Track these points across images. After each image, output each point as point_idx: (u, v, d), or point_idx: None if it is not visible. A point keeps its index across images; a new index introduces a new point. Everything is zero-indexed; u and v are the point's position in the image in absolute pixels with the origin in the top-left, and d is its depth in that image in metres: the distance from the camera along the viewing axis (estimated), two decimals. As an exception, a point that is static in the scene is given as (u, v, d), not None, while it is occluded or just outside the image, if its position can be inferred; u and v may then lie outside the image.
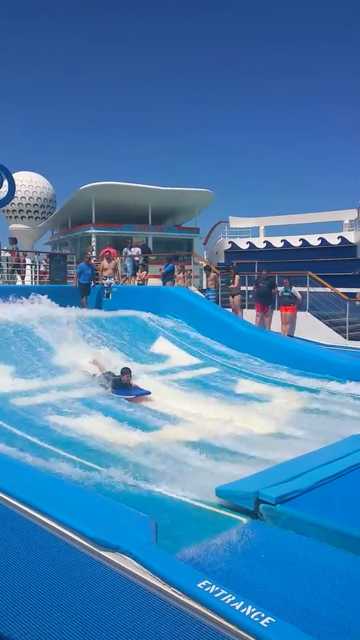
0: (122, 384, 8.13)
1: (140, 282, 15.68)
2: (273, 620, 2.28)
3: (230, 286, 13.17)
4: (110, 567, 2.76)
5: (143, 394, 7.87)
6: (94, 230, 20.44)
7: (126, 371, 8.26)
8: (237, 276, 13.16)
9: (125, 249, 16.58)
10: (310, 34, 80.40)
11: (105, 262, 14.99)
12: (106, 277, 14.75)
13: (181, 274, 15.12)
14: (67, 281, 15.27)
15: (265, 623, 2.26)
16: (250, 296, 13.27)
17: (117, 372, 8.34)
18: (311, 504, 3.77)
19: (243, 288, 13.40)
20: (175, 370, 9.62)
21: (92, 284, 14.07)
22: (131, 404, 7.50)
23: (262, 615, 2.31)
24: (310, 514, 3.59)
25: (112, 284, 14.54)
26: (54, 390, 7.83)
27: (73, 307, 11.92)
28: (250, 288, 13.37)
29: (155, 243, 19.32)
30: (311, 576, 3.01)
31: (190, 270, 18.19)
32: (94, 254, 17.45)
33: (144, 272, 15.61)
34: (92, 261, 14.86)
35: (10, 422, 6.39)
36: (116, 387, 8.10)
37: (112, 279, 14.78)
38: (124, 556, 2.78)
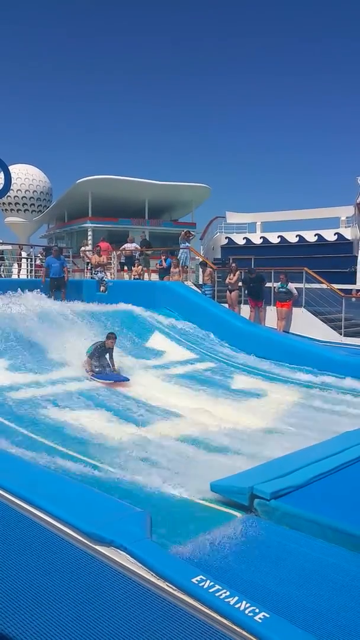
0: (105, 350, 8.41)
1: (136, 276, 15.63)
2: (267, 615, 2.28)
3: (228, 280, 13.14)
4: (105, 561, 2.75)
5: (121, 380, 8.08)
6: (90, 224, 20.34)
7: (111, 336, 8.57)
8: (237, 272, 13.15)
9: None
10: (309, 31, 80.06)
11: (95, 257, 14.93)
12: (97, 271, 14.68)
13: (177, 269, 15.09)
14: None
15: (260, 618, 2.25)
16: (246, 292, 13.26)
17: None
18: (305, 500, 3.78)
19: (240, 284, 13.38)
20: (171, 365, 9.61)
21: (66, 277, 13.22)
22: (126, 398, 7.48)
23: (257, 610, 2.30)
24: (304, 510, 3.60)
25: (104, 278, 14.46)
26: (48, 384, 7.81)
27: (70, 301, 11.87)
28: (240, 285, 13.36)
29: (152, 238, 19.25)
30: (305, 571, 3.02)
31: (186, 265, 18.16)
32: (89, 247, 17.31)
33: (140, 267, 15.57)
34: (62, 253, 14.26)
35: (4, 416, 6.36)
36: (99, 355, 8.35)
37: (103, 273, 14.70)
38: (119, 550, 2.77)
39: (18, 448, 5.24)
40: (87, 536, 2.91)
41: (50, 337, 9.57)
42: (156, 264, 15.22)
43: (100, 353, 8.45)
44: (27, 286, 11.85)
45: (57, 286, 12.92)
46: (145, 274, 15.63)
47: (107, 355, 8.58)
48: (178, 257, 14.62)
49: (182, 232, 16.41)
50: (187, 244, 15.74)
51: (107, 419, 6.47)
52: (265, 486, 3.84)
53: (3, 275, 15.36)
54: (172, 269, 14.93)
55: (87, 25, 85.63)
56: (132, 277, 15.74)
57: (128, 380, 8.12)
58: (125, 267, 16.19)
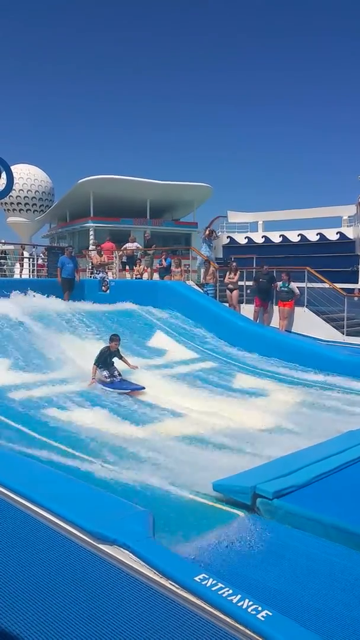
0: (110, 354, 8.23)
1: (138, 276, 15.64)
2: (270, 613, 2.29)
3: (228, 279, 13.12)
4: (108, 560, 2.76)
5: (137, 389, 7.82)
6: (92, 224, 20.38)
7: (115, 338, 8.38)
8: (238, 271, 13.14)
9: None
10: (310, 28, 79.87)
11: (96, 257, 14.94)
12: (99, 271, 14.69)
13: (178, 269, 15.10)
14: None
15: (262, 616, 2.26)
16: (249, 291, 13.24)
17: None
18: (308, 499, 3.78)
19: (241, 283, 13.38)
20: (173, 365, 9.61)
21: (77, 278, 13.19)
22: (127, 398, 7.49)
23: (259, 608, 2.31)
24: (307, 509, 3.60)
25: (105, 278, 14.46)
26: (50, 383, 7.82)
27: (71, 301, 11.89)
28: (249, 283, 13.33)
29: (153, 237, 19.25)
30: (308, 570, 3.02)
31: (188, 264, 18.17)
32: (91, 247, 17.34)
33: (142, 266, 15.57)
34: (74, 254, 14.04)
35: (6, 415, 6.38)
36: (106, 361, 8.17)
37: (105, 273, 14.70)
38: (121, 549, 2.78)
39: (21, 448, 5.25)
40: (90, 535, 2.92)
41: (51, 337, 9.58)
42: (156, 264, 15.23)
43: (107, 358, 8.23)
44: (30, 286, 11.84)
45: (69, 287, 12.84)
46: (146, 274, 15.64)
47: (115, 359, 8.34)
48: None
49: (206, 231, 15.78)
50: (211, 243, 15.25)
51: (109, 419, 6.48)
52: (268, 485, 3.85)
53: (7, 275, 15.38)
54: (173, 269, 14.94)
55: (87, 23, 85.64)
56: (134, 276, 15.76)
57: (144, 388, 7.81)
58: (127, 267, 16.20)
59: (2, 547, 2.83)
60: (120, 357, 8.44)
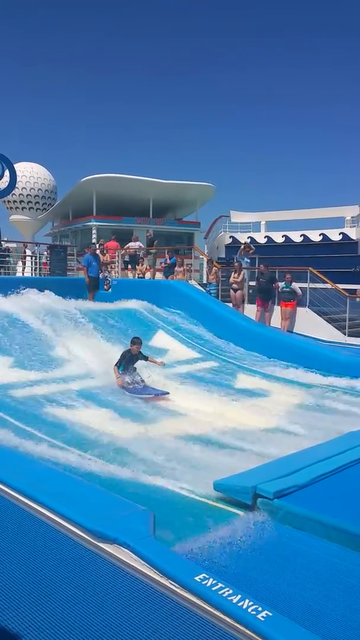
0: (132, 357, 8.02)
1: (140, 275, 15.64)
2: (270, 614, 2.29)
3: (233, 279, 13.10)
4: (108, 558, 2.77)
5: (161, 394, 7.57)
6: (94, 223, 20.37)
7: (136, 341, 8.06)
8: (242, 271, 13.13)
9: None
10: (314, 28, 79.73)
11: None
12: (101, 270, 14.69)
13: (181, 268, 15.10)
14: (67, 273, 15.22)
15: (263, 617, 2.26)
16: (251, 291, 13.24)
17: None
18: (309, 499, 3.78)
19: (243, 283, 13.37)
20: (175, 364, 9.61)
21: (103, 276, 13.07)
22: (129, 397, 7.49)
23: (260, 609, 2.31)
24: (307, 509, 3.60)
25: (108, 277, 14.46)
26: (52, 381, 7.83)
27: (72, 299, 11.88)
28: (252, 283, 13.34)
29: (156, 236, 19.27)
30: (308, 571, 3.02)
31: (191, 264, 18.16)
32: (96, 246, 17.30)
33: (144, 266, 15.57)
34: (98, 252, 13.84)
35: (8, 413, 6.39)
36: (128, 365, 7.96)
37: (108, 272, 14.70)
38: (122, 548, 2.78)
39: (22, 446, 5.26)
40: (91, 533, 2.93)
41: (53, 335, 9.59)
42: (161, 263, 15.22)
43: (128, 362, 8.01)
44: (33, 284, 11.82)
45: (95, 286, 12.60)
46: (148, 273, 15.64)
47: (140, 361, 8.15)
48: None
49: (242, 246, 14.47)
50: (247, 260, 13.92)
51: (111, 417, 6.48)
52: (269, 485, 3.84)
53: (10, 273, 15.38)
54: (176, 268, 14.94)
55: (93, 21, 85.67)
56: (137, 275, 15.76)
57: (168, 393, 7.58)
58: (129, 266, 16.20)
59: (3, 545, 2.83)
60: (146, 358, 8.23)
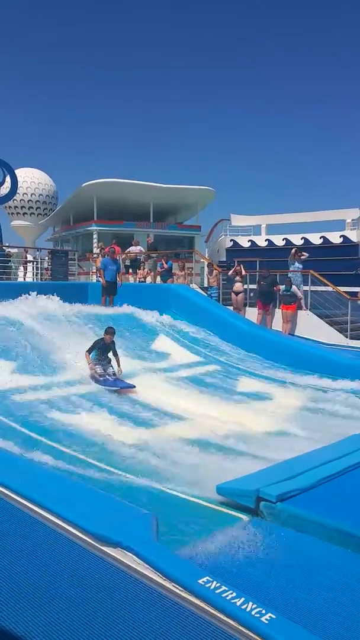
0: (104, 346, 8.30)
1: (141, 279, 15.68)
2: (274, 616, 2.29)
3: (236, 283, 13.11)
4: (111, 562, 2.77)
5: (127, 387, 7.95)
6: (95, 227, 20.45)
7: (110, 330, 8.42)
8: (244, 274, 13.16)
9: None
10: (316, 29, 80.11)
11: (99, 260, 14.97)
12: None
13: (182, 272, 15.13)
14: (68, 278, 15.26)
15: (266, 619, 2.26)
16: (252, 294, 13.26)
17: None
18: (312, 503, 3.78)
19: (245, 286, 13.41)
20: (176, 368, 9.62)
21: (120, 282, 12.56)
22: (131, 401, 7.50)
23: (263, 611, 2.31)
24: (310, 512, 3.60)
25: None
26: (54, 386, 7.84)
27: (74, 303, 11.91)
28: (253, 286, 13.36)
29: (157, 240, 19.33)
30: (311, 574, 3.02)
31: (192, 267, 18.20)
32: (98, 250, 17.33)
33: (145, 270, 15.61)
34: (116, 256, 13.35)
35: (10, 418, 6.40)
36: (101, 354, 8.27)
37: None
38: (125, 552, 2.78)
39: (24, 450, 5.27)
40: (94, 537, 2.93)
41: (55, 339, 9.61)
42: (157, 268, 15.27)
43: (101, 351, 8.36)
44: (35, 289, 11.83)
45: (111, 291, 12.39)
46: (149, 278, 15.68)
47: (110, 353, 8.48)
48: (292, 282, 12.13)
49: (292, 251, 13.61)
50: (298, 265, 13.18)
51: (113, 422, 6.49)
52: (272, 489, 3.85)
53: (11, 279, 15.44)
54: (177, 272, 14.97)
55: (91, 24, 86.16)
56: (137, 280, 15.80)
57: (134, 387, 7.97)
58: (130, 270, 16.25)
59: (5, 548, 2.84)
60: (115, 355, 8.50)
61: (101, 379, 8.11)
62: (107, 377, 8.18)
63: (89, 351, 8.32)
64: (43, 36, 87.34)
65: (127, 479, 4.65)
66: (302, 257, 13.48)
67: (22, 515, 3.25)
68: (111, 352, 8.50)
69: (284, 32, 77.80)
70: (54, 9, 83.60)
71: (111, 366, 8.40)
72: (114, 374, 8.27)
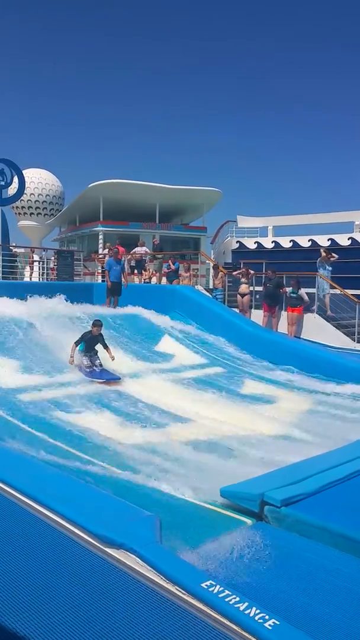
0: (92, 338, 8.48)
1: (146, 280, 15.68)
2: (277, 622, 2.26)
3: (241, 285, 13.07)
4: (114, 564, 2.76)
5: (113, 379, 8.17)
6: (101, 228, 20.48)
7: (97, 323, 8.61)
8: (249, 275, 13.12)
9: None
10: (327, 33, 79.94)
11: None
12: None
13: (187, 273, 15.12)
14: (74, 278, 15.29)
15: (269, 625, 2.24)
16: (257, 297, 13.22)
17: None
18: (317, 507, 3.74)
19: (250, 288, 13.38)
20: (181, 369, 9.60)
21: (125, 282, 12.61)
22: (136, 401, 7.49)
23: (266, 617, 2.29)
24: (315, 517, 3.56)
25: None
26: (59, 386, 7.84)
27: (80, 304, 11.91)
28: (258, 288, 13.32)
29: (162, 241, 19.32)
30: (315, 579, 2.99)
31: (197, 269, 18.18)
32: (105, 251, 17.32)
33: (150, 270, 15.61)
34: (121, 256, 13.27)
35: (16, 417, 6.41)
36: (89, 347, 8.44)
37: None
38: (128, 553, 2.77)
39: (29, 449, 5.27)
40: (97, 538, 2.92)
41: (60, 339, 9.62)
42: (163, 269, 15.26)
43: (89, 343, 8.51)
44: (40, 289, 11.85)
45: (115, 291, 12.39)
46: (154, 278, 15.68)
47: (97, 345, 8.63)
48: (317, 286, 11.93)
49: (322, 253, 12.93)
50: (329, 268, 12.72)
51: (117, 422, 6.48)
52: (276, 493, 3.81)
53: (17, 278, 15.49)
54: (182, 273, 14.96)
55: (99, 24, 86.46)
56: (143, 281, 15.80)
57: (119, 379, 8.20)
58: (135, 271, 16.26)
59: (8, 547, 2.83)
60: (105, 346, 8.64)
61: (88, 370, 8.32)
62: (94, 368, 8.40)
63: (77, 343, 8.52)
64: (52, 36, 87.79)
65: (130, 480, 4.63)
66: (332, 259, 12.89)
67: (24, 514, 3.25)
68: (99, 344, 8.66)
69: (297, 34, 77.66)
70: (64, 7, 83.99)
71: (98, 358, 8.59)
72: (101, 366, 8.49)
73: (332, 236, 18.77)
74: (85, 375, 8.23)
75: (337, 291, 12.28)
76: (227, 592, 2.44)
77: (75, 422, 6.37)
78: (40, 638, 2.15)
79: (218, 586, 2.48)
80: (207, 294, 14.37)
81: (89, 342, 8.56)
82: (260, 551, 3.31)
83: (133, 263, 16.38)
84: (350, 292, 12.36)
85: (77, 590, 2.48)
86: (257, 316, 12.84)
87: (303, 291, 12.11)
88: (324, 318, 12.03)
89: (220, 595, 2.42)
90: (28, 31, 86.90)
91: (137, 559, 2.72)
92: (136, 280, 16.00)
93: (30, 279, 16.64)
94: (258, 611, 2.32)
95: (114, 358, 8.67)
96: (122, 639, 2.17)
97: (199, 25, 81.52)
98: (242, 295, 13.13)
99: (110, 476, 4.73)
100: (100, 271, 16.02)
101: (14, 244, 16.39)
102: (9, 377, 7.95)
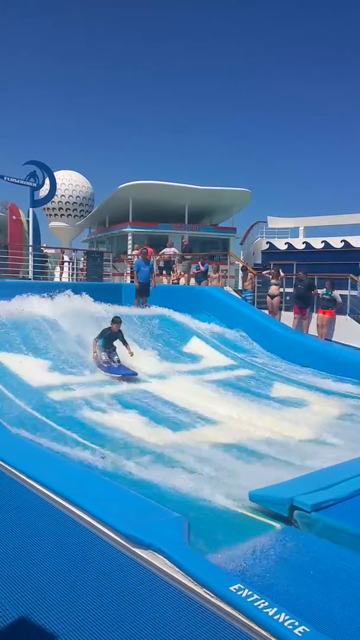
0: (111, 335, 8.68)
1: (175, 281, 15.71)
2: (307, 629, 2.21)
3: (271, 286, 12.91)
4: (142, 564, 2.76)
5: (129, 374, 8.37)
6: (130, 229, 20.65)
7: (116, 319, 8.83)
8: (279, 276, 12.94)
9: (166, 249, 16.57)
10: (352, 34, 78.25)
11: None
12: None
13: (216, 274, 15.06)
14: (103, 278, 15.47)
15: (299, 632, 2.19)
16: (288, 298, 13.04)
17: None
18: (347, 513, 3.66)
19: (280, 290, 13.21)
20: (209, 371, 9.57)
21: (153, 283, 12.50)
22: (163, 402, 7.50)
23: (296, 623, 2.24)
24: (346, 523, 3.48)
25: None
26: (88, 385, 7.94)
27: (108, 304, 12.02)
28: (288, 290, 13.14)
29: (191, 242, 19.32)
30: (345, 586, 2.91)
31: (226, 270, 18.08)
32: (133, 252, 17.44)
33: (179, 271, 15.63)
34: (149, 257, 13.13)
35: (47, 415, 6.52)
36: (108, 343, 8.66)
37: None
38: (156, 554, 2.77)
39: (59, 447, 5.36)
40: (125, 538, 2.93)
41: (89, 339, 9.72)
42: (193, 269, 15.23)
43: (108, 339, 8.71)
44: (71, 289, 11.99)
45: (144, 292, 12.44)
46: (183, 279, 15.68)
47: (116, 342, 8.81)
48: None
49: None
50: None
51: (145, 422, 6.51)
52: (307, 498, 3.75)
53: (48, 278, 15.81)
54: (211, 274, 14.92)
55: (134, 25, 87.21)
56: (171, 281, 15.84)
57: (136, 374, 8.36)
58: (164, 272, 16.31)
59: (40, 545, 2.88)
60: (124, 342, 8.84)
61: (106, 365, 8.53)
62: (112, 364, 8.61)
63: (97, 339, 8.74)
64: (86, 37, 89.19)
65: (158, 481, 4.63)
66: None
67: (55, 512, 3.29)
68: (118, 340, 8.85)
69: (326, 38, 76.25)
70: (99, 9, 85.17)
71: (116, 354, 8.79)
72: (119, 361, 8.68)
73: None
74: (103, 371, 8.46)
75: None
76: (255, 596, 2.41)
77: (103, 421, 6.44)
78: (68, 635, 2.17)
79: (247, 590, 2.45)
80: (237, 295, 14.27)
81: (108, 338, 8.78)
82: (289, 556, 3.26)
83: (162, 264, 16.45)
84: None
85: (106, 589, 2.50)
86: (287, 318, 12.66)
87: (337, 293, 11.87)
88: (356, 320, 11.75)
89: (249, 600, 2.38)
90: (60, 33, 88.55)
91: (165, 559, 2.72)
92: (164, 281, 16.05)
93: (60, 279, 16.94)
94: (288, 617, 2.27)
95: (133, 354, 8.86)
96: (148, 639, 2.17)
97: (227, 25, 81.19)
98: (272, 297, 12.97)
99: (139, 476, 4.76)
100: (129, 272, 16.14)
101: (44, 245, 16.71)
102: (40, 375, 8.10)
